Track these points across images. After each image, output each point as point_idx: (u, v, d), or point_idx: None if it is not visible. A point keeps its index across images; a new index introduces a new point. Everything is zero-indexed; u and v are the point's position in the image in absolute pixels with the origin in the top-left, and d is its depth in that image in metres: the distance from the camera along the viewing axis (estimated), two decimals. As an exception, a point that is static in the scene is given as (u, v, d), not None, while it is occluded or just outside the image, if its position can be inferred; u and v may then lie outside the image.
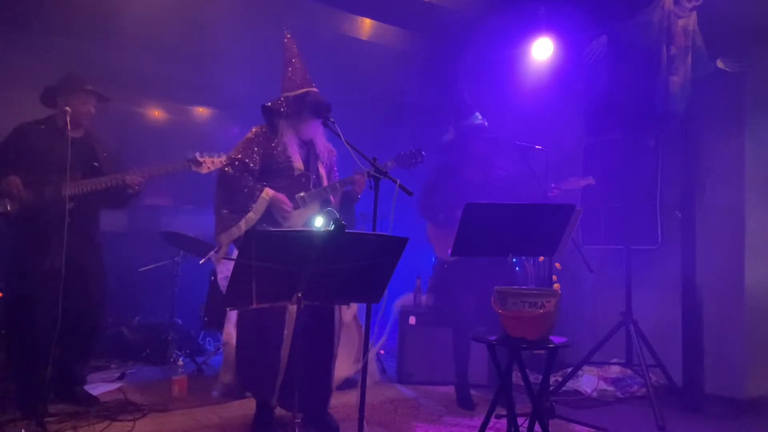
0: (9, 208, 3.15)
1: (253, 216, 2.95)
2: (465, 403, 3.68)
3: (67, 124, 2.93)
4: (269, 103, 3.13)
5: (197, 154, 3.36)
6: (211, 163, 3.34)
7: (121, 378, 4.11)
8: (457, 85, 5.20)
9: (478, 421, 3.00)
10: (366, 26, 5.37)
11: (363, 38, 5.41)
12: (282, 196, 2.99)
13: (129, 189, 3.34)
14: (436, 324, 4.23)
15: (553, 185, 3.68)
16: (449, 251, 3.41)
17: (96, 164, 3.40)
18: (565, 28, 4.67)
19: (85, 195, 3.27)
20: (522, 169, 3.71)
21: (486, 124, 3.90)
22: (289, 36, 3.21)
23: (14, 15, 4.46)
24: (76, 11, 4.33)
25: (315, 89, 3.11)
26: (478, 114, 3.91)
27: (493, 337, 2.53)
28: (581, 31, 4.61)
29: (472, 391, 3.85)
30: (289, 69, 3.15)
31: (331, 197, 3.18)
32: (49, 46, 4.65)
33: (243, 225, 2.93)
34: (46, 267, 3.09)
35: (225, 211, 3.01)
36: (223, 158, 3.27)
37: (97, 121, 3.53)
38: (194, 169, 3.36)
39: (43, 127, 3.29)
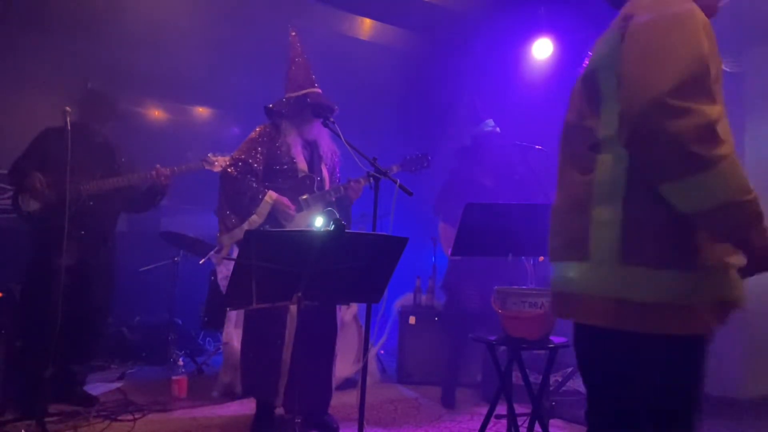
0: (31, 208, 3.25)
1: (256, 219, 2.95)
2: (449, 402, 3.69)
3: (67, 124, 2.95)
4: (271, 105, 3.13)
5: (210, 154, 3.52)
6: (224, 161, 3.44)
7: (121, 378, 4.11)
8: (467, 92, 5.21)
9: (478, 422, 3.00)
10: (366, 26, 5.37)
11: (363, 38, 5.42)
12: (285, 200, 2.98)
13: (159, 184, 3.46)
14: (446, 324, 4.17)
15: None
16: (449, 251, 3.42)
17: (115, 166, 3.51)
18: (565, 29, 4.67)
19: (104, 195, 3.37)
20: (526, 171, 3.73)
21: (498, 130, 3.92)
22: (294, 33, 3.19)
23: (17, 17, 4.47)
24: (76, 12, 4.34)
25: (317, 90, 3.10)
26: (490, 121, 3.94)
27: (493, 337, 2.53)
28: (581, 31, 4.61)
29: (468, 391, 3.89)
30: (292, 68, 3.14)
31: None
32: (50, 47, 4.65)
33: (246, 227, 2.93)
34: (57, 266, 3.12)
35: (228, 213, 3.01)
36: None
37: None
38: (207, 167, 3.52)
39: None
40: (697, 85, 1.20)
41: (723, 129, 1.26)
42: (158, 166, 3.45)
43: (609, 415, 1.41)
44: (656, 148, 1.20)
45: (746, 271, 1.30)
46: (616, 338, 1.31)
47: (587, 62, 1.48)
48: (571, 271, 1.40)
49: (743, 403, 3.71)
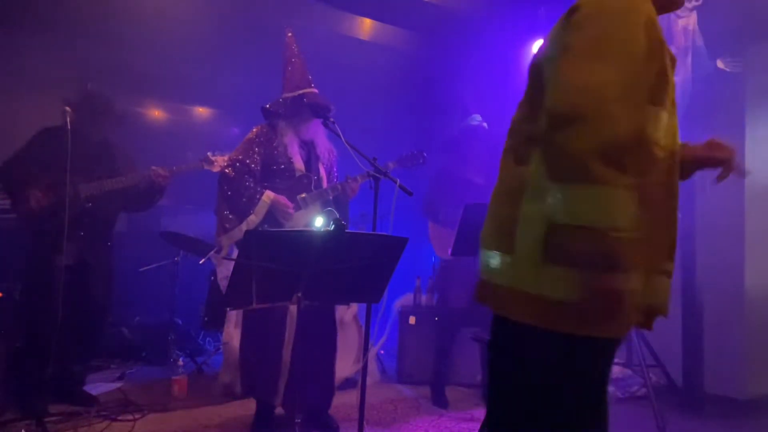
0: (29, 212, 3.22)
1: (254, 219, 2.96)
2: (440, 401, 3.69)
3: (67, 124, 2.94)
4: (268, 105, 3.14)
5: (209, 153, 3.49)
6: (223, 161, 3.42)
7: (121, 378, 4.11)
8: (460, 86, 5.20)
9: (478, 422, 3.01)
10: (366, 26, 5.37)
11: (363, 38, 5.42)
12: (283, 199, 2.99)
13: (157, 183, 3.45)
14: (437, 324, 4.19)
15: None
16: (449, 251, 3.41)
17: (115, 166, 3.49)
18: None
19: (103, 195, 3.35)
20: None
21: (485, 125, 3.90)
22: (290, 34, 3.20)
23: (16, 16, 4.47)
24: (76, 12, 4.34)
25: (314, 90, 3.11)
26: (477, 116, 3.91)
27: (493, 337, 2.53)
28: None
29: (468, 390, 3.91)
30: (289, 68, 3.15)
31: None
32: (50, 47, 4.65)
33: (244, 227, 2.93)
34: (57, 267, 3.12)
35: (226, 213, 3.02)
36: None
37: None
38: (206, 167, 3.49)
39: (61, 132, 3.33)
40: (626, 94, 1.15)
41: (666, 128, 1.22)
42: (156, 167, 3.43)
43: (508, 407, 1.38)
44: (559, 148, 1.16)
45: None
46: (530, 334, 1.27)
47: (537, 50, 1.44)
48: (494, 261, 1.37)
49: (743, 403, 3.71)
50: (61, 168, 3.09)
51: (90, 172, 3.33)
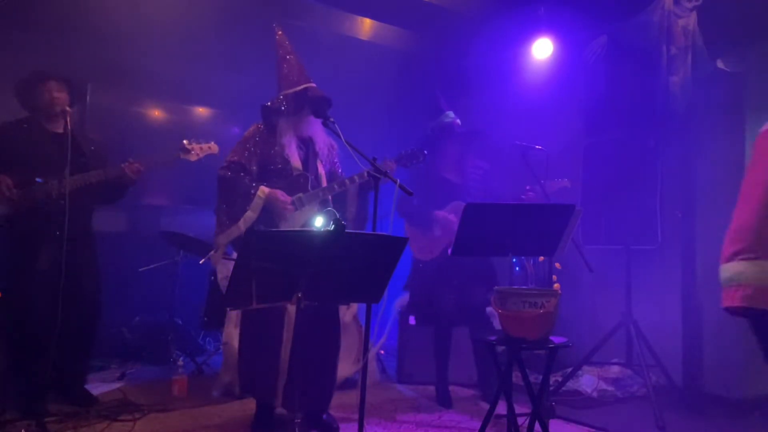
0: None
1: (251, 215, 2.94)
2: (444, 401, 3.69)
3: (67, 123, 2.92)
4: (269, 103, 3.12)
5: (185, 141, 3.35)
6: (200, 149, 3.34)
7: (121, 378, 4.11)
8: (460, 86, 5.20)
9: (478, 422, 3.01)
10: (366, 26, 5.38)
11: (363, 38, 5.42)
12: (278, 192, 2.97)
13: (127, 177, 3.28)
14: (422, 324, 4.11)
15: (528, 188, 3.67)
16: (429, 253, 3.35)
17: (83, 159, 3.30)
18: (565, 29, 4.67)
19: (75, 192, 3.20)
20: (505, 167, 3.67)
21: (458, 122, 3.85)
22: (280, 32, 3.18)
23: (15, 14, 4.46)
24: (75, 11, 4.34)
25: (313, 84, 3.10)
26: (449, 113, 3.86)
27: (493, 337, 2.53)
28: (581, 31, 4.61)
29: (468, 390, 3.92)
30: (285, 66, 3.12)
31: (351, 188, 3.15)
32: (50, 47, 4.65)
33: (242, 225, 2.93)
34: (41, 266, 3.08)
35: (224, 212, 3.02)
36: (212, 145, 3.34)
37: (98, 121, 3.55)
38: (183, 156, 3.34)
39: (25, 125, 3.24)
40: None
41: None
42: (130, 161, 3.28)
43: None
44: None
45: None
46: None
47: None
48: None
49: (743, 403, 3.71)
50: (24, 164, 2.97)
51: (59, 168, 3.10)
